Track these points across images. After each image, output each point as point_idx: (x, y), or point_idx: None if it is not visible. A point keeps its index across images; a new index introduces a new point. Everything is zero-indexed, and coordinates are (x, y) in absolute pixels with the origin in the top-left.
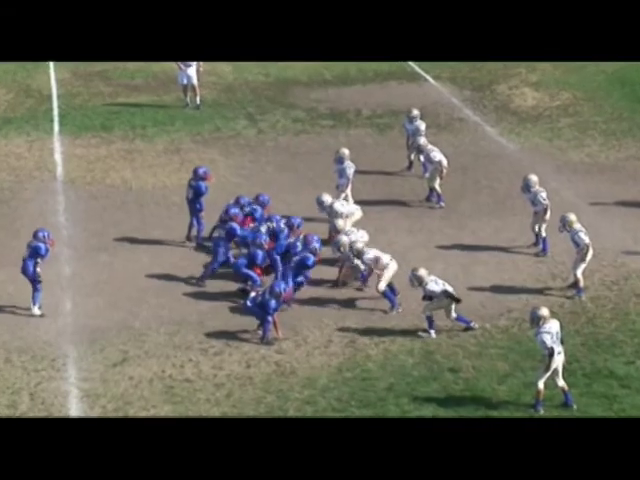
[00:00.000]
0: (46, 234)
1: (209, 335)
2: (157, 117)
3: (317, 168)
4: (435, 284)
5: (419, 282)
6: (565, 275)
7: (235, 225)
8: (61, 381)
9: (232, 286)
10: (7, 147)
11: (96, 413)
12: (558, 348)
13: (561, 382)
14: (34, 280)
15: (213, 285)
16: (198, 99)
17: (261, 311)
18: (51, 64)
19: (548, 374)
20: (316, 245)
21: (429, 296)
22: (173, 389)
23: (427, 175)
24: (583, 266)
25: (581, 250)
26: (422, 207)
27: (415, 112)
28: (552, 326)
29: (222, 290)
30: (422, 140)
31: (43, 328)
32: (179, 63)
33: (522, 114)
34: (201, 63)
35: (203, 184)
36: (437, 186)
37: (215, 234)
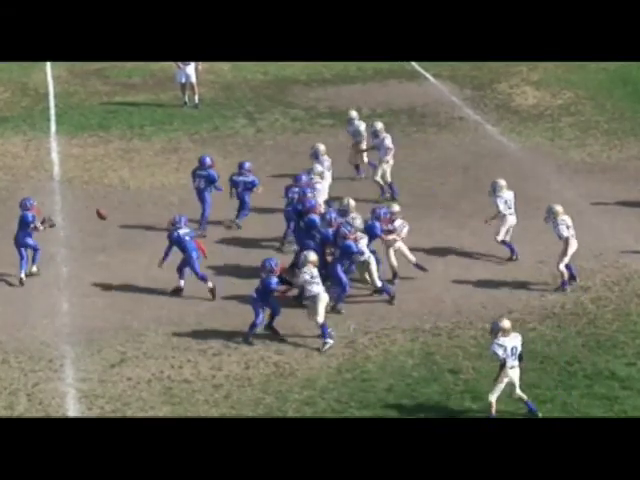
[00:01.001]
0: (30, 202)
1: (208, 336)
2: (155, 116)
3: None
4: (310, 278)
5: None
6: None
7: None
8: (59, 382)
9: (230, 287)
10: (3, 146)
11: (94, 414)
12: (512, 362)
13: (519, 393)
14: (28, 247)
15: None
16: (197, 98)
17: (259, 298)
18: (48, 62)
19: (500, 386)
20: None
21: (304, 295)
22: (171, 390)
23: (378, 174)
24: (565, 260)
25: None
26: (422, 207)
27: (353, 114)
28: (508, 340)
29: (220, 291)
30: (380, 125)
31: (40, 328)
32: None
33: (523, 113)
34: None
35: (213, 171)
36: (389, 178)
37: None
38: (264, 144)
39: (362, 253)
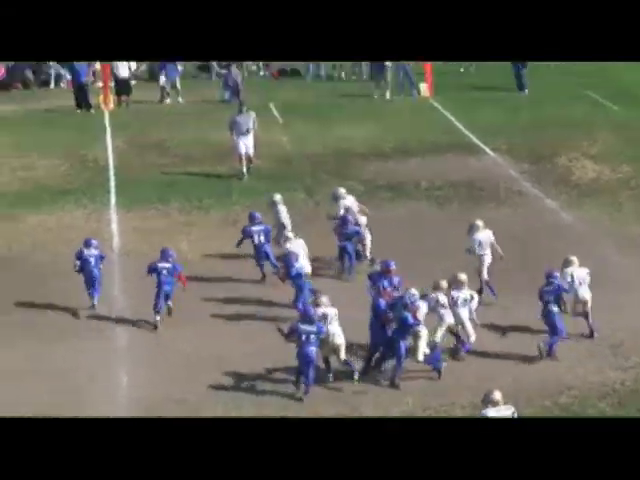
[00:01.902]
0: (96, 242)
1: (266, 411)
2: (214, 189)
3: (374, 240)
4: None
5: None
6: (625, 353)
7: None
8: None
9: (285, 360)
10: (64, 219)
11: None
12: None
13: None
14: (99, 281)
15: (267, 363)
16: (249, 167)
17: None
18: (108, 134)
19: None
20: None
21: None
22: None
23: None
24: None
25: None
26: (479, 282)
27: (277, 197)
28: (495, 411)
29: (276, 363)
30: (341, 190)
31: (99, 400)
32: (234, 133)
33: (583, 187)
34: (256, 127)
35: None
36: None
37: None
38: (323, 217)
39: (419, 324)
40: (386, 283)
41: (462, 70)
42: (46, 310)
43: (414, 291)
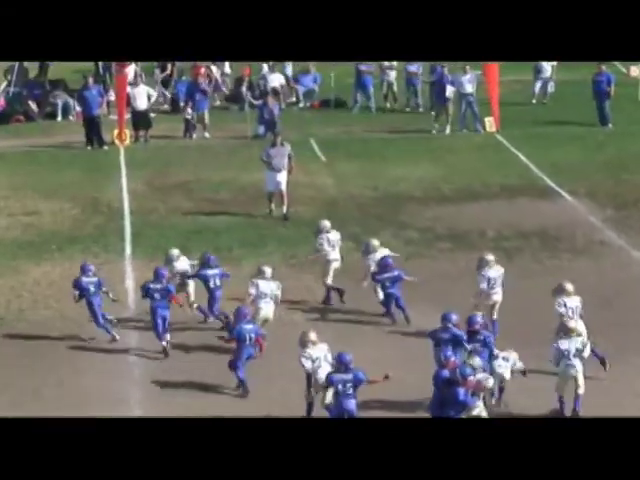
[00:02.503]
0: (92, 267)
1: None
2: (245, 237)
3: (429, 296)
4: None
5: None
6: None
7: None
8: None
9: None
10: (71, 270)
11: None
12: None
13: None
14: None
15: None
16: (285, 208)
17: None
18: (123, 174)
19: None
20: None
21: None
22: None
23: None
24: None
25: None
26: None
27: (175, 252)
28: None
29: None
30: (325, 222)
31: None
32: (266, 167)
33: None
34: (293, 165)
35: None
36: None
37: None
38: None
39: (473, 402)
40: (449, 352)
41: (534, 102)
42: (52, 378)
43: (478, 362)
